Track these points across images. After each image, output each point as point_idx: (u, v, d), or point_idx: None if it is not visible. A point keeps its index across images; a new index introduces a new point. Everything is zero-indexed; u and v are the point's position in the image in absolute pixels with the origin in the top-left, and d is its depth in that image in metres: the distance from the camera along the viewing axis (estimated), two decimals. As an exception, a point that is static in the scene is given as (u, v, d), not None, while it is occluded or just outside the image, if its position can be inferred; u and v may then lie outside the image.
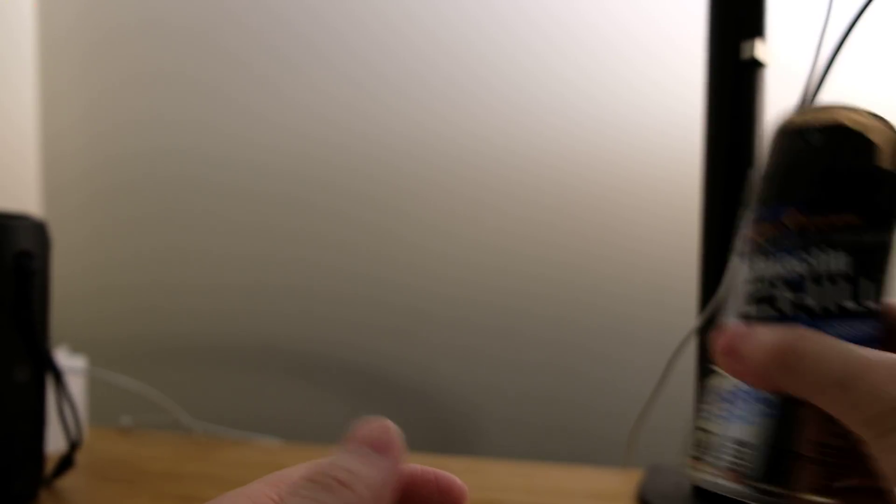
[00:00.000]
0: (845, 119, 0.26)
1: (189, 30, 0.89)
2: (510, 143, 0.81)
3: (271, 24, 0.86)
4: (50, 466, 0.61)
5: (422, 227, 0.83)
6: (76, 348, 0.89)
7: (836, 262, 0.25)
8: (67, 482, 0.62)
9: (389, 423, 0.24)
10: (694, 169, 0.76)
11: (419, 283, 0.84)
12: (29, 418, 0.56)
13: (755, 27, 0.54)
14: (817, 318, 0.25)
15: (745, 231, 0.27)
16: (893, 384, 0.22)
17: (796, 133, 0.26)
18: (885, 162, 0.25)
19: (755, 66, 0.54)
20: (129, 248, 0.91)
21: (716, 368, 0.27)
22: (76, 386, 0.72)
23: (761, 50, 0.53)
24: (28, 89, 0.92)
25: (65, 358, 0.73)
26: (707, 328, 0.56)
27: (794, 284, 0.25)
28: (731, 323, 0.26)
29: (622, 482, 0.64)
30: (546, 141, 0.80)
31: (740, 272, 0.27)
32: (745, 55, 0.53)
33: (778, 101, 0.59)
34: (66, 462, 0.61)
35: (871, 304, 0.25)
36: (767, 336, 0.24)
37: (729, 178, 0.55)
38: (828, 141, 0.26)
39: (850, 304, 0.25)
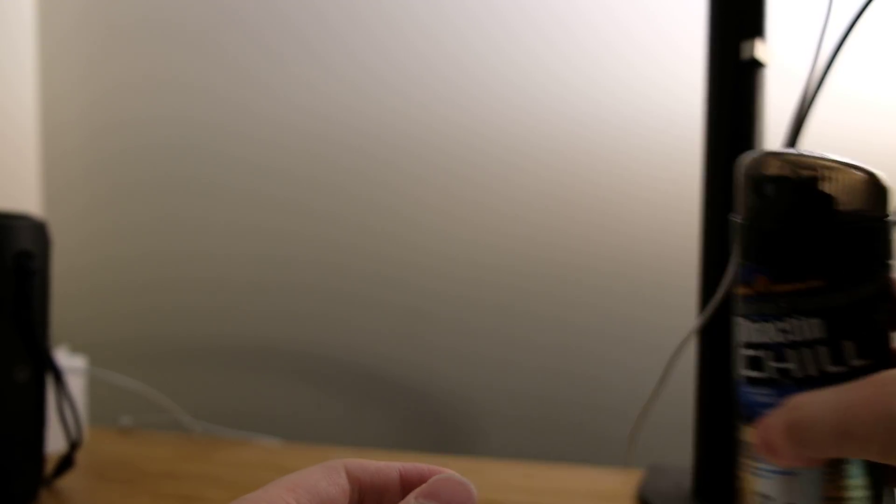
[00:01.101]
0: (800, 172, 0.25)
1: (190, 29, 0.89)
2: (509, 143, 0.81)
3: (271, 23, 0.86)
4: (50, 466, 0.61)
5: (421, 226, 0.83)
6: (76, 348, 0.89)
7: (811, 329, 0.25)
8: (67, 482, 0.62)
9: (467, 484, 0.23)
10: (694, 169, 0.76)
11: (419, 282, 0.84)
12: (29, 418, 0.56)
13: (755, 27, 0.54)
14: (802, 383, 0.25)
15: (734, 286, 0.27)
16: (883, 403, 0.22)
17: (754, 184, 0.26)
18: (843, 212, 0.24)
19: (755, 66, 0.54)
20: (130, 248, 0.91)
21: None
22: (76, 386, 0.72)
23: (761, 50, 0.53)
24: (28, 88, 0.92)
25: (65, 358, 0.73)
26: (707, 328, 0.56)
27: (776, 352, 0.25)
28: (764, 418, 0.26)
29: (622, 482, 0.64)
30: (546, 140, 0.80)
31: (738, 332, 0.27)
32: (745, 55, 0.53)
33: (778, 101, 0.59)
34: (66, 462, 0.61)
35: (857, 362, 0.25)
36: (772, 420, 0.25)
37: (729, 179, 0.55)
38: (783, 198, 0.25)
39: (832, 368, 0.25)
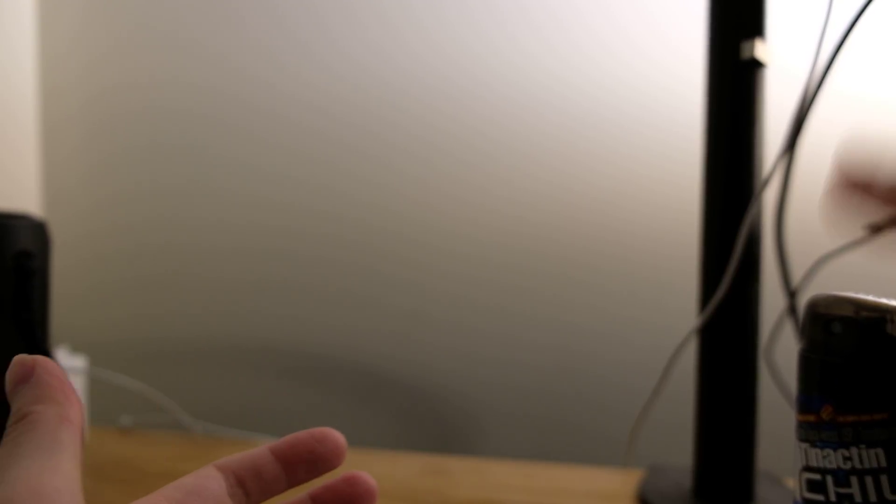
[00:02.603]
0: (868, 314, 0.27)
1: (193, 37, 0.89)
2: (509, 143, 0.81)
3: (274, 29, 0.86)
4: (50, 466, 0.61)
5: (421, 226, 0.83)
6: (76, 348, 0.89)
7: (874, 458, 0.27)
8: (67, 482, 0.62)
9: (19, 358, 0.24)
10: (694, 169, 0.76)
11: (419, 282, 0.84)
12: (29, 418, 0.56)
13: (755, 27, 0.54)
14: None
15: (797, 412, 0.29)
16: None
17: (825, 323, 0.28)
18: None
19: (755, 66, 0.54)
20: (130, 248, 0.91)
21: None
22: (76, 386, 0.72)
23: (761, 50, 0.53)
24: (28, 87, 0.92)
25: (65, 358, 0.73)
26: (707, 328, 0.56)
27: (839, 479, 0.27)
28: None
29: (622, 482, 0.64)
30: (547, 140, 0.80)
31: (799, 456, 0.29)
32: (745, 55, 0.53)
33: (778, 101, 0.59)
34: (66, 462, 0.61)
35: None
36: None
37: (729, 178, 0.55)
38: (853, 337, 0.27)
39: (892, 496, 0.27)
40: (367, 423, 0.85)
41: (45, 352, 0.57)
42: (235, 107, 0.88)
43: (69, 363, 0.72)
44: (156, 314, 0.91)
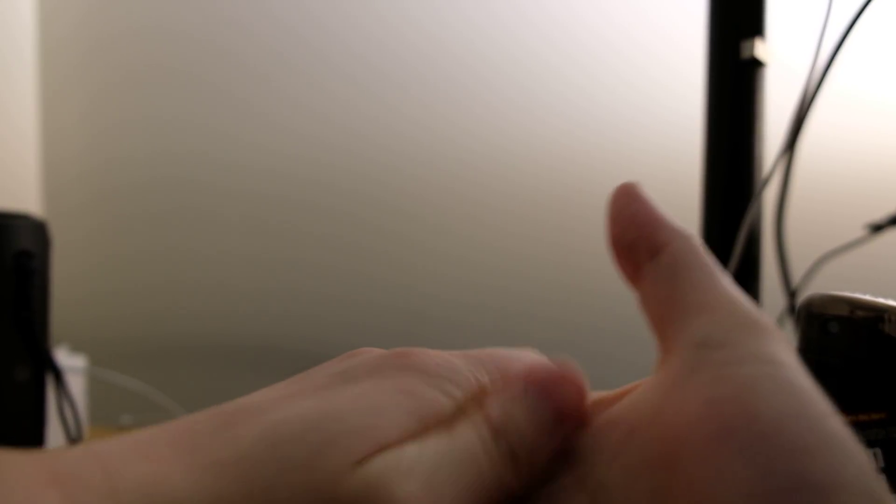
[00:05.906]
0: (865, 314, 0.27)
1: (189, 31, 0.89)
2: (510, 144, 0.81)
3: (273, 26, 0.86)
4: (50, 466, 0.61)
5: (421, 227, 0.83)
6: (76, 348, 0.89)
7: (872, 459, 0.26)
8: (67, 482, 0.62)
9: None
10: (694, 169, 0.76)
11: (419, 283, 0.84)
12: (29, 418, 0.56)
13: (755, 27, 0.54)
14: None
15: None
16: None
17: (821, 322, 0.27)
18: None
19: (755, 65, 0.54)
20: (130, 249, 0.91)
21: None
22: (76, 386, 0.72)
23: (761, 50, 0.53)
24: (28, 89, 0.92)
25: (65, 358, 0.73)
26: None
27: None
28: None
29: (622, 482, 0.64)
30: (546, 141, 0.80)
31: None
32: (745, 55, 0.53)
33: (778, 100, 0.59)
34: (66, 462, 0.61)
35: None
36: None
37: (729, 178, 0.55)
38: (849, 336, 0.27)
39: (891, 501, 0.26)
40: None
41: (45, 351, 0.57)
42: (237, 108, 0.88)
43: (69, 363, 0.72)
44: (156, 314, 0.91)
